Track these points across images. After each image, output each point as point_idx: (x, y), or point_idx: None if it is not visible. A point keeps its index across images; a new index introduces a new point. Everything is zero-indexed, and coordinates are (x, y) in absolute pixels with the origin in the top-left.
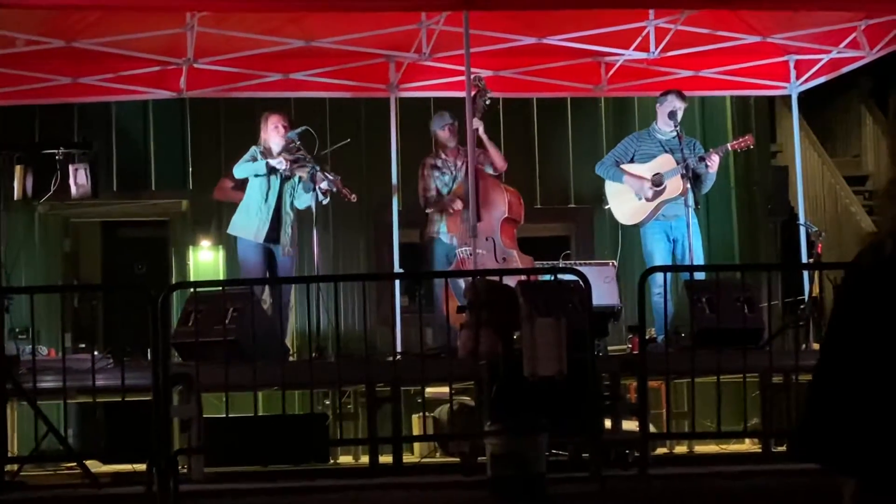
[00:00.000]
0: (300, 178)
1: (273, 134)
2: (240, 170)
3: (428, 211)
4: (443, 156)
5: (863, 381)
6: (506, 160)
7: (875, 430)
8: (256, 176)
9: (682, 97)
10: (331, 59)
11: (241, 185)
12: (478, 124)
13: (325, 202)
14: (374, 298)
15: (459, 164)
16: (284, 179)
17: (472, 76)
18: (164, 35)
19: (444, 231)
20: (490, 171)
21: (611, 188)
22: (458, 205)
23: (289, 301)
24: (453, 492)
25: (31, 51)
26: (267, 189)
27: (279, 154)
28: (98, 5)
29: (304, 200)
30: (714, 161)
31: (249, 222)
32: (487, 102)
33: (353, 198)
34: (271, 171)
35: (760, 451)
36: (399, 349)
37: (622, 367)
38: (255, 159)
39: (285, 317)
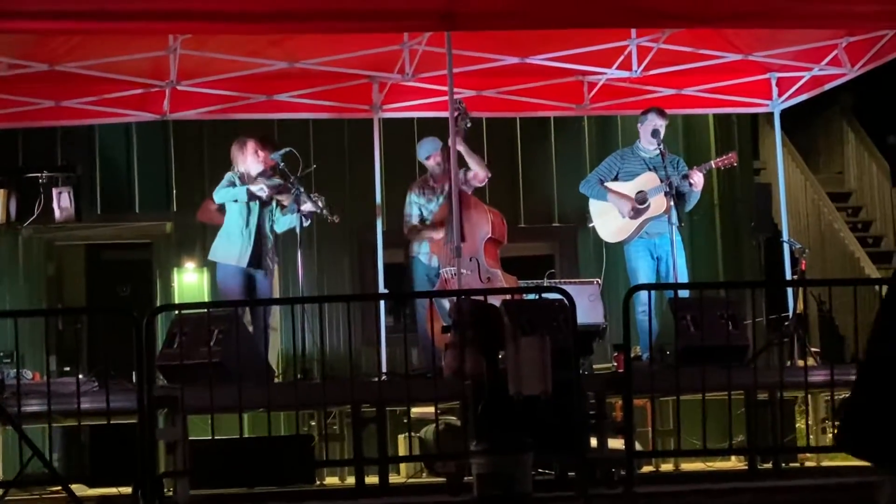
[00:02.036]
0: (281, 203)
1: (252, 159)
2: (220, 195)
3: (409, 239)
4: (431, 182)
5: None
6: (489, 171)
7: None
8: (236, 201)
9: (662, 114)
10: (314, 80)
11: (224, 206)
12: (459, 146)
13: (306, 224)
14: (359, 319)
15: (446, 186)
16: (264, 204)
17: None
18: (146, 58)
19: (424, 251)
20: (475, 183)
21: (595, 206)
22: (439, 234)
23: (269, 324)
24: None
25: (13, 74)
26: (247, 214)
27: (256, 177)
28: (80, 29)
29: (284, 224)
30: (697, 179)
31: (231, 247)
32: (468, 125)
33: (336, 218)
34: (252, 197)
35: (746, 468)
36: (384, 369)
37: (607, 386)
38: (233, 184)
39: (267, 338)
